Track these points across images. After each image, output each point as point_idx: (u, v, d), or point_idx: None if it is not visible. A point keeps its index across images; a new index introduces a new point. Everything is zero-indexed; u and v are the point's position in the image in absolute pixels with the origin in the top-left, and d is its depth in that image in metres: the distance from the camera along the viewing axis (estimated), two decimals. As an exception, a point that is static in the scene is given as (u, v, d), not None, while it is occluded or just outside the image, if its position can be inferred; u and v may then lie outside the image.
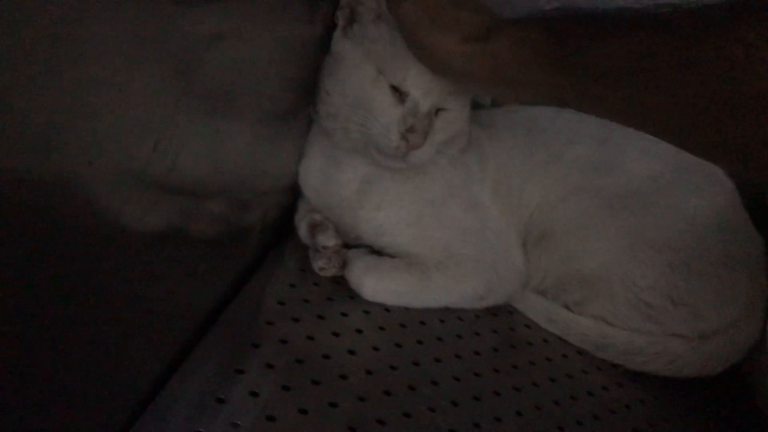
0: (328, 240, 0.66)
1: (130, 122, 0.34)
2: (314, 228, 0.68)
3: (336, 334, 0.58)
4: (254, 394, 0.47)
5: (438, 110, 0.63)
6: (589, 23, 0.49)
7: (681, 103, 0.42)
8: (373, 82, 0.61)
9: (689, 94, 0.41)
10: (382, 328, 0.61)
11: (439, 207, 0.69)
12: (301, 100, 0.67)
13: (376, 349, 0.58)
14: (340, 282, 0.66)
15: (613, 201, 0.71)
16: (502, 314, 0.71)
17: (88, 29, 0.28)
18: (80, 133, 0.30)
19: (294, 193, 0.74)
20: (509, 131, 0.76)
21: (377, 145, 0.62)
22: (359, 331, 0.59)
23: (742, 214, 0.72)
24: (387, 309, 0.64)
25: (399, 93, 0.61)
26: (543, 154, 0.74)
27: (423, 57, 0.58)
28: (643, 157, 0.72)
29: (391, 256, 0.68)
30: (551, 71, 0.49)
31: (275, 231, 0.71)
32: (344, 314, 0.61)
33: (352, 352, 0.56)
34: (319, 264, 0.66)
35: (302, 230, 0.70)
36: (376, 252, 0.69)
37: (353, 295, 0.64)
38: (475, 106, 0.73)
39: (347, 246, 0.70)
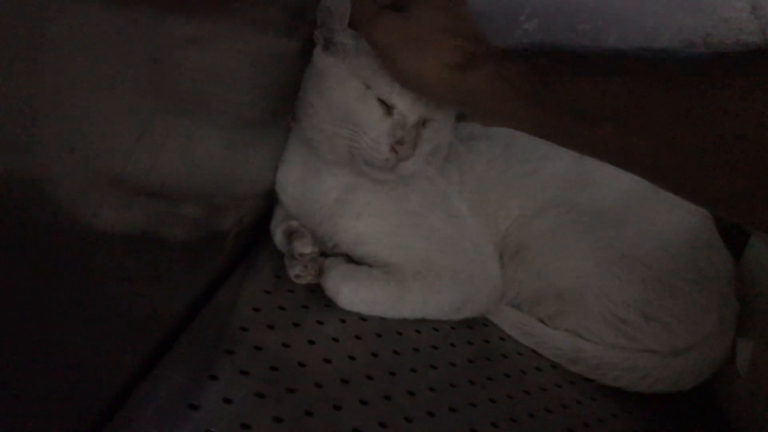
0: (305, 247, 0.65)
1: (108, 119, 0.33)
2: (291, 235, 0.67)
3: (311, 342, 0.57)
4: (228, 401, 0.46)
5: (425, 121, 0.63)
6: (572, 62, 0.49)
7: (668, 149, 0.42)
8: (360, 96, 0.60)
9: (678, 141, 0.41)
10: (358, 337, 0.60)
11: (419, 217, 0.69)
12: (279, 110, 0.66)
13: (352, 358, 0.57)
14: (315, 290, 0.65)
15: (588, 216, 0.71)
16: (477, 326, 0.71)
17: (68, 25, 0.27)
18: (58, 122, 0.29)
19: (270, 199, 0.73)
20: (487, 144, 0.76)
21: (366, 158, 0.61)
22: (335, 340, 0.59)
23: (713, 231, 0.74)
24: (363, 318, 0.64)
25: (386, 105, 0.60)
26: (520, 167, 0.74)
27: (401, 79, 0.58)
28: (618, 173, 0.72)
29: (369, 265, 0.67)
30: (530, 106, 0.49)
31: (250, 237, 0.70)
32: (320, 322, 0.60)
33: (327, 361, 0.55)
34: (295, 271, 0.65)
35: (278, 237, 0.69)
36: (354, 261, 0.68)
37: (329, 303, 0.63)
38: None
39: (324, 254, 0.69)
